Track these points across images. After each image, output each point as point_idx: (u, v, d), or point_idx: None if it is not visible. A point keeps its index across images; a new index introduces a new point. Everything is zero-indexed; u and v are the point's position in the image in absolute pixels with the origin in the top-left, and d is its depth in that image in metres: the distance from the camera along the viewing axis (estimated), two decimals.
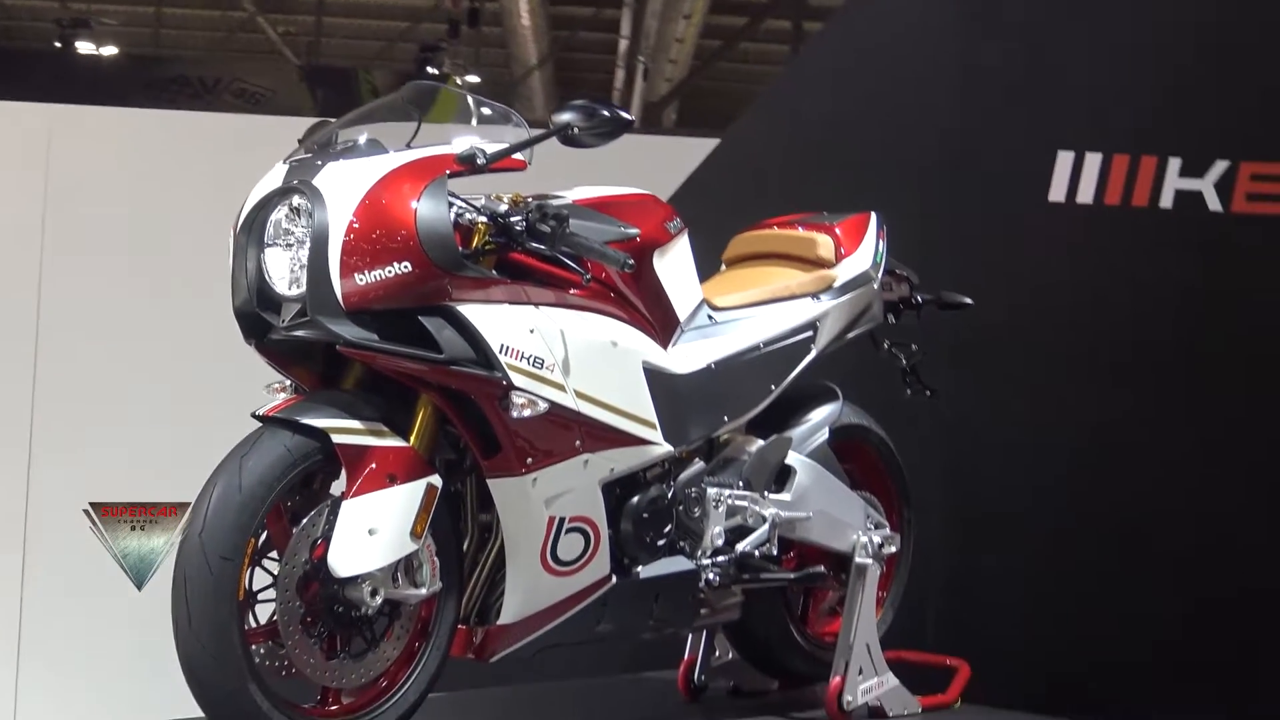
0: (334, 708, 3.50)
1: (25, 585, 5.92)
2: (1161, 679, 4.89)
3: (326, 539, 3.38)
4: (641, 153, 6.15)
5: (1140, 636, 4.91)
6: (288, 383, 3.69)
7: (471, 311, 3.48)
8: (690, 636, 4.44)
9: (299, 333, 3.45)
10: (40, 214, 6.35)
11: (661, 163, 6.28)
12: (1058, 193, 5.12)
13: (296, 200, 3.45)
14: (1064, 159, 5.12)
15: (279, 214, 3.48)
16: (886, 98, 5.40)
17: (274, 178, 3.56)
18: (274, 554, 3.42)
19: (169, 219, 6.27)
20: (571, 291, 3.67)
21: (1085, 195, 5.10)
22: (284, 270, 3.46)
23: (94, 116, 6.88)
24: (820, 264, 4.37)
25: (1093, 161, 5.10)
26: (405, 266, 3.40)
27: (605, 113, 3.56)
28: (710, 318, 4.09)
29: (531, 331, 3.56)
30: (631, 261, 3.69)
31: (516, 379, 3.50)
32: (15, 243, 6.31)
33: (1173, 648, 4.90)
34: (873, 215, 4.51)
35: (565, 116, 3.57)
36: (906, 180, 5.27)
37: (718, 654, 4.49)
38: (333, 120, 3.81)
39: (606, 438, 3.72)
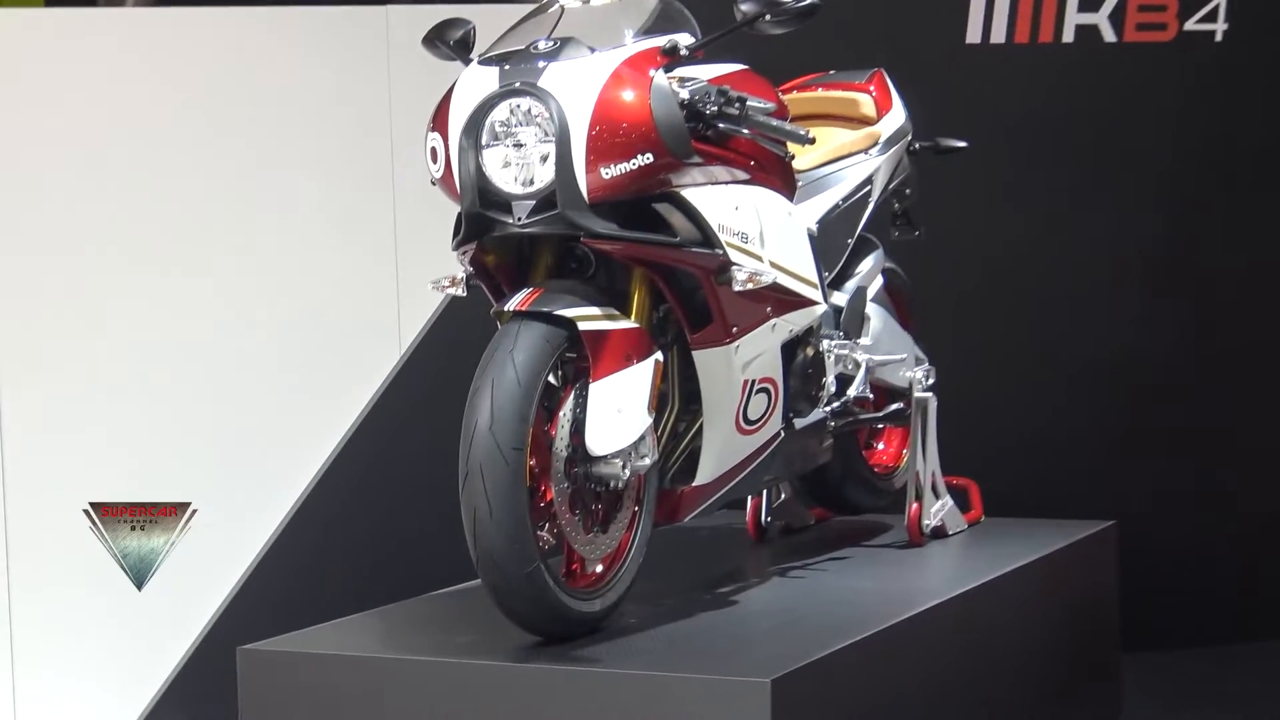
0: (584, 580, 3.63)
1: (24, 586, 5.64)
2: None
3: (578, 421, 3.52)
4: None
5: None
6: (458, 276, 3.77)
7: (692, 195, 3.62)
8: None
9: (538, 229, 3.52)
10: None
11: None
12: (974, 34, 5.52)
13: (524, 102, 3.51)
14: (976, 4, 5.52)
15: (500, 115, 3.53)
16: None
17: (483, 81, 3.60)
18: None
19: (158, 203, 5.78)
20: (738, 169, 3.83)
21: (998, 36, 5.52)
22: (511, 169, 3.52)
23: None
24: (865, 121, 4.59)
25: (1002, 5, 5.52)
26: (648, 158, 3.51)
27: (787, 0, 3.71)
28: (798, 180, 4.31)
29: (736, 209, 3.72)
30: (813, 136, 3.88)
31: (733, 254, 3.67)
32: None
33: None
34: (883, 71, 4.77)
35: (751, 7, 3.71)
36: (833, 36, 5.53)
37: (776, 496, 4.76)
38: (462, 19, 3.84)
39: (789, 302, 3.92)
